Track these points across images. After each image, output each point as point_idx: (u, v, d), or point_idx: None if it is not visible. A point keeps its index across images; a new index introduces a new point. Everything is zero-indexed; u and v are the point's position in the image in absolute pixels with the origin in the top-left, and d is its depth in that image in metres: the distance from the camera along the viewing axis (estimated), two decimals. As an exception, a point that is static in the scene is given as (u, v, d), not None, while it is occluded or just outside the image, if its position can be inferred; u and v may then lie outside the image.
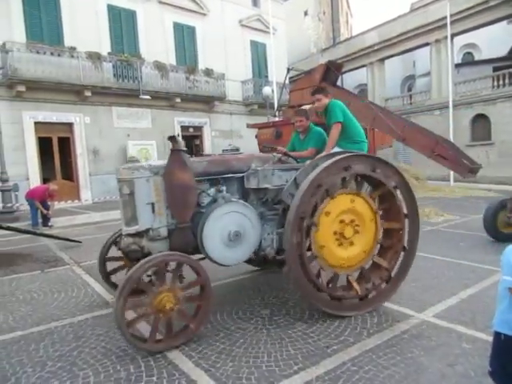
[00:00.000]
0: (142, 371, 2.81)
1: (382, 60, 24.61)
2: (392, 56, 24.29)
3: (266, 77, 20.90)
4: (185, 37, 18.59)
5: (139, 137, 16.80)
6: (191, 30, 18.80)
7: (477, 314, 3.56)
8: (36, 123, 14.32)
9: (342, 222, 3.59)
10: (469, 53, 27.15)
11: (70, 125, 15.24)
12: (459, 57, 26.41)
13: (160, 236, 3.37)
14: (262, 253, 3.76)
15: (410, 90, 28.40)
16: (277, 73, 18.57)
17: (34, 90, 13.86)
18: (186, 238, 3.41)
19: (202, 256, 3.63)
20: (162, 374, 2.76)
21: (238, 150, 4.09)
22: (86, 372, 2.83)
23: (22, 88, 13.48)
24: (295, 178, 3.58)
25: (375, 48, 24.20)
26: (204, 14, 19.11)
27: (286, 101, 16.53)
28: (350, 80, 27.98)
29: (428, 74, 22.99)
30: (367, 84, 26.02)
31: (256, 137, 12.98)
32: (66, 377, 2.78)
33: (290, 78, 19.26)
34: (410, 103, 23.32)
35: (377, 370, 2.71)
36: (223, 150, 4.23)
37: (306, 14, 30.85)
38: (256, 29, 21.43)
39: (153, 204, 3.33)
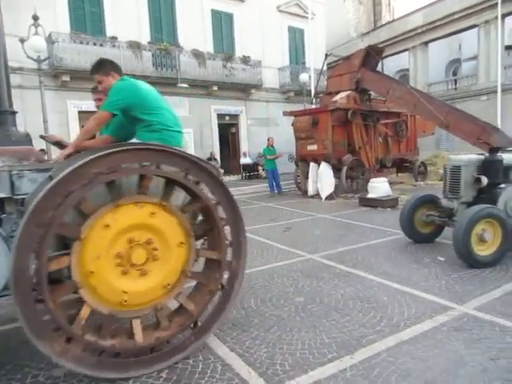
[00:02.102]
0: (178, 353, 2.88)
1: (426, 43, 23.65)
2: (437, 39, 23.29)
3: (304, 63, 20.57)
4: (222, 24, 18.59)
5: (177, 125, 17.03)
6: (229, 17, 18.76)
7: (523, 308, 3.39)
8: (80, 112, 14.85)
9: (131, 241, 2.54)
10: (521, 34, 25.52)
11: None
12: (510, 38, 24.86)
13: None
14: None
15: (455, 74, 27.13)
16: (314, 59, 18.27)
17: (77, 80, 14.33)
18: None
19: None
20: (198, 357, 2.82)
21: None
22: (126, 351, 2.94)
23: (66, 78, 14.00)
24: (50, 177, 2.56)
25: (419, 31, 23.27)
26: (242, 1, 19.00)
27: (323, 87, 16.24)
28: (390, 65, 27.05)
29: (475, 57, 21.87)
30: (409, 69, 25.10)
31: (292, 125, 12.86)
32: (106, 355, 2.90)
33: (329, 64, 18.86)
34: (455, 88, 22.34)
35: (414, 361, 2.64)
36: None
37: (345, -3, 29.99)
38: (294, 14, 21.09)
39: None
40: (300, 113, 12.94)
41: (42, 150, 11.49)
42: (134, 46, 15.31)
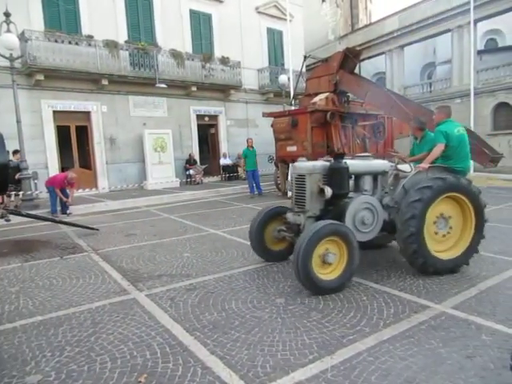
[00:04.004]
0: (158, 357, 2.83)
1: (402, 47, 24.07)
2: (412, 43, 23.74)
3: (283, 65, 20.66)
4: (201, 24, 18.47)
5: (155, 126, 16.86)
6: (207, 18, 18.65)
7: (496, 305, 3.48)
8: (55, 112, 14.49)
9: None
10: (492, 39, 26.34)
11: (87, 113, 15.38)
12: (482, 43, 25.64)
13: None
14: None
15: (429, 77, 27.75)
16: (293, 61, 18.32)
17: (52, 79, 14.00)
18: None
19: None
20: (178, 360, 2.78)
21: None
22: (104, 357, 2.87)
23: (40, 77, 13.62)
24: None
25: (395, 35, 23.67)
26: (220, 1, 18.92)
27: (302, 89, 16.33)
28: (368, 68, 27.47)
29: (449, 61, 22.41)
30: (386, 72, 25.53)
31: (272, 126, 12.88)
32: (83, 361, 2.82)
33: (307, 66, 18.99)
34: (430, 91, 22.80)
35: (393, 360, 2.67)
36: None
37: (323, 0, 30.30)
38: (273, 16, 21.13)
39: None
40: (279, 114, 12.96)
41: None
42: (111, 45, 15.02)
